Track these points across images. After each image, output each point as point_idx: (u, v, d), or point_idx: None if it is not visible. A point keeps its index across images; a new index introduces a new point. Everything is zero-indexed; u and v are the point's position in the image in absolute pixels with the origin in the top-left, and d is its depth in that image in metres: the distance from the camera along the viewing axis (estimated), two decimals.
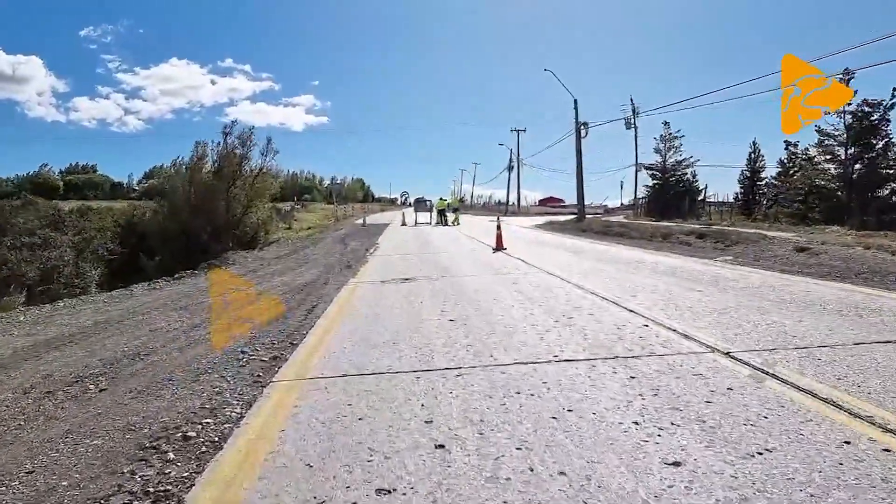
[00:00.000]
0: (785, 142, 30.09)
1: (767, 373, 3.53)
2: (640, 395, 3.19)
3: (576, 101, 30.83)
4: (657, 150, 37.16)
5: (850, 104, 25.44)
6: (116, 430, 2.93)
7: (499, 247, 13.13)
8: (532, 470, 2.33)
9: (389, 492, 2.19)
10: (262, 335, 5.02)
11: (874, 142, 25.72)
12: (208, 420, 3.01)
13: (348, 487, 2.23)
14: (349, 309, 6.20)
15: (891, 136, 25.68)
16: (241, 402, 3.31)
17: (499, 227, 13.89)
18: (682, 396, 3.15)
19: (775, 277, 7.79)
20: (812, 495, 2.09)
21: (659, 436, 2.64)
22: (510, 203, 65.76)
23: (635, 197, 41.74)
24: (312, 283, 8.36)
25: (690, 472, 2.27)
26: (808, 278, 7.58)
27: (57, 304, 8.01)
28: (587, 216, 31.33)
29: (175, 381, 3.74)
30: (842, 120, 25.64)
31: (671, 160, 36.55)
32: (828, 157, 26.63)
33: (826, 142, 26.39)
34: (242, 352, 4.44)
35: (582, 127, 30.40)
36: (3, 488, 2.40)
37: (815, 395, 3.12)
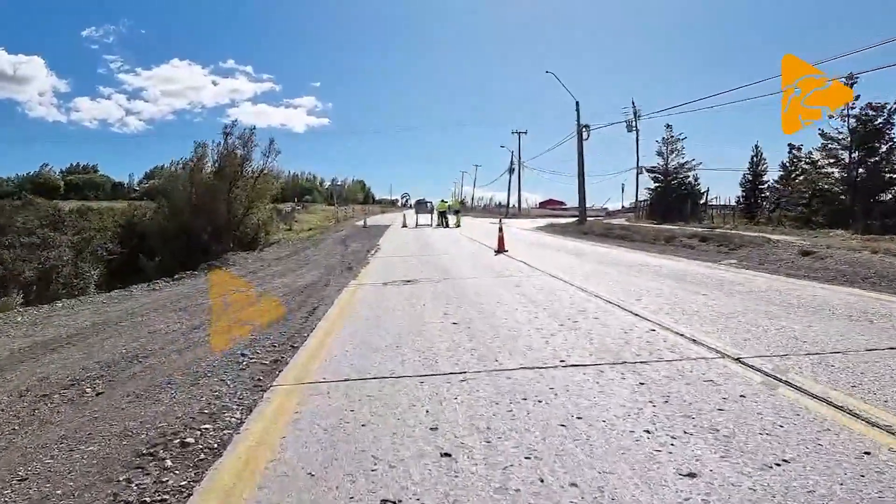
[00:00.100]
0: (788, 145, 30.03)
1: (780, 379, 3.45)
2: (651, 401, 3.11)
3: (577, 103, 30.84)
4: (659, 153, 37.15)
5: (854, 107, 25.43)
6: (113, 436, 2.86)
7: (500, 249, 13.06)
8: (542, 481, 2.25)
9: (395, 503, 2.11)
10: (262, 337, 4.94)
11: (878, 145, 25.63)
12: (207, 426, 2.93)
13: (352, 498, 2.15)
14: (350, 311, 6.12)
15: (895, 139, 25.62)
16: (241, 407, 3.23)
17: (500, 230, 13.81)
18: (693, 404, 3.07)
19: (781, 281, 7.71)
20: None
21: (672, 445, 2.55)
22: (511, 205, 65.72)
23: (636, 200, 41.74)
24: (313, 284, 8.28)
25: (707, 485, 2.19)
26: (815, 282, 7.50)
27: (55, 304, 7.93)
28: (588, 219, 31.27)
29: (174, 385, 3.66)
30: (846, 123, 25.60)
31: (673, 163, 36.52)
32: (831, 160, 26.54)
33: (830, 145, 26.30)
34: (242, 354, 4.36)
35: (584, 129, 30.35)
36: None
37: (830, 403, 3.03)
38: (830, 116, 25.85)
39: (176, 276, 11.35)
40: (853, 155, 25.58)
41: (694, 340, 4.44)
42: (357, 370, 3.85)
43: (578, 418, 2.89)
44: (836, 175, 26.10)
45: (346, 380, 3.65)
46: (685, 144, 37.12)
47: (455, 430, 2.76)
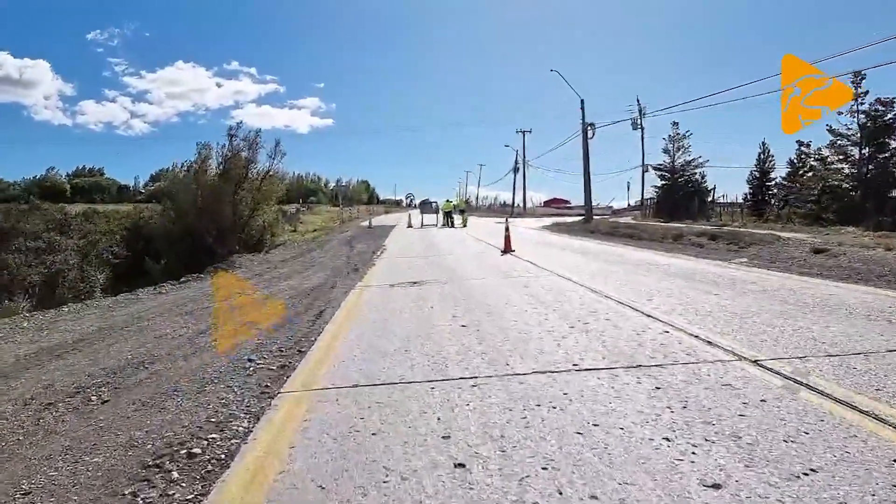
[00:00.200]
0: (797, 142, 29.78)
1: (801, 383, 3.35)
2: (669, 407, 3.02)
3: (582, 101, 30.69)
4: (666, 151, 36.91)
5: (863, 103, 25.17)
6: (118, 447, 2.79)
7: (507, 249, 12.97)
8: (561, 493, 2.17)
9: None
10: (269, 342, 4.88)
11: (888, 141, 25.32)
12: (214, 435, 2.87)
13: None
14: (357, 314, 6.06)
15: None
16: (248, 415, 3.16)
17: (507, 229, 13.71)
18: (712, 409, 2.98)
19: (794, 280, 7.59)
20: None
21: (693, 453, 2.47)
22: (515, 204, 65.56)
23: (642, 198, 41.45)
24: (319, 286, 8.22)
25: (733, 496, 2.10)
26: (828, 281, 7.38)
27: (61, 308, 7.91)
28: (594, 217, 31.12)
29: (180, 392, 3.59)
30: (855, 119, 25.33)
31: (680, 160, 36.28)
32: (840, 157, 26.25)
33: (839, 142, 26.03)
34: (249, 360, 4.29)
35: (588, 127, 30.21)
36: None
37: (855, 408, 2.94)
38: (840, 113, 25.64)
39: (182, 279, 11.32)
40: (863, 151, 25.29)
41: (709, 342, 4.34)
42: (366, 375, 3.78)
43: (595, 425, 2.80)
44: (846, 171, 25.81)
45: (354, 386, 3.57)
46: (691, 142, 36.88)
47: (468, 439, 2.68)
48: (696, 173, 35.58)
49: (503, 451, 2.54)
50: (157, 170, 75.92)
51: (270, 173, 24.45)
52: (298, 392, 3.53)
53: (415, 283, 8.25)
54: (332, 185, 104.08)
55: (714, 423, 2.79)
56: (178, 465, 2.55)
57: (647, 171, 39.22)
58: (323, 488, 2.28)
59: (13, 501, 2.32)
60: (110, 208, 31.48)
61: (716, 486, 2.19)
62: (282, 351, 4.59)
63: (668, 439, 2.61)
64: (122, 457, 2.67)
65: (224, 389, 3.63)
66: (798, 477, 2.25)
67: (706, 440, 2.59)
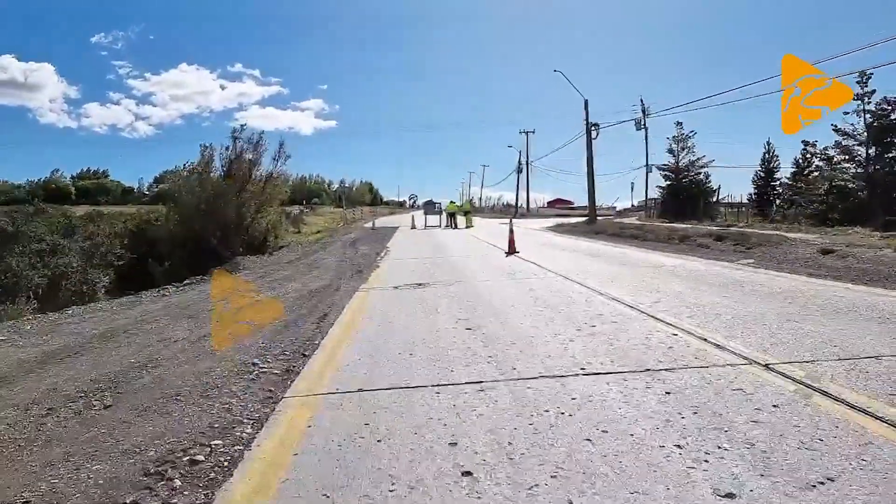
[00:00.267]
0: (802, 142, 29.61)
1: (814, 388, 3.29)
2: (679, 413, 2.96)
3: (586, 101, 30.65)
4: (670, 151, 36.70)
5: (869, 103, 24.96)
6: (120, 453, 2.75)
7: (511, 250, 12.91)
8: (571, 503, 2.12)
9: None
10: (272, 345, 4.84)
11: (895, 141, 25.08)
12: (217, 441, 2.82)
13: None
14: (361, 317, 6.01)
15: None
16: (252, 421, 3.12)
17: (511, 231, 13.65)
18: (724, 415, 2.92)
19: (802, 282, 7.51)
20: None
21: (706, 461, 2.41)
22: (519, 205, 65.44)
23: (646, 198, 41.29)
24: (323, 289, 8.18)
25: None
26: (838, 282, 7.29)
27: (65, 311, 7.89)
28: (598, 218, 31.01)
29: (183, 397, 3.55)
30: (861, 119, 25.13)
31: (684, 161, 36.09)
32: (846, 157, 26.04)
33: (845, 141, 25.82)
34: (253, 364, 4.25)
35: (592, 128, 30.12)
36: None
37: (870, 414, 2.87)
38: (846, 113, 25.46)
39: (185, 281, 11.30)
40: (870, 150, 25.08)
41: (718, 346, 4.28)
42: (370, 380, 3.73)
43: (604, 432, 2.75)
44: (853, 171, 25.61)
45: (359, 390, 3.53)
46: (695, 142, 36.66)
47: (475, 446, 2.63)
48: (700, 173, 35.40)
49: (511, 459, 2.49)
50: (161, 171, 75.95)
51: (274, 175, 24.42)
52: (302, 397, 3.49)
53: (419, 285, 8.21)
54: (335, 186, 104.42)
55: (726, 429, 2.73)
56: (180, 473, 2.51)
57: (650, 171, 39.10)
58: (328, 497, 2.23)
59: None
60: (115, 210, 31.58)
61: (730, 496, 2.13)
62: (286, 354, 4.55)
63: (679, 446, 2.56)
64: (123, 464, 2.63)
65: (227, 394, 3.59)
66: (814, 486, 2.19)
67: (719, 447, 2.53)
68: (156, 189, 67.94)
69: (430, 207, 35.63)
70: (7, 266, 11.25)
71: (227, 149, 23.52)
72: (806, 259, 9.61)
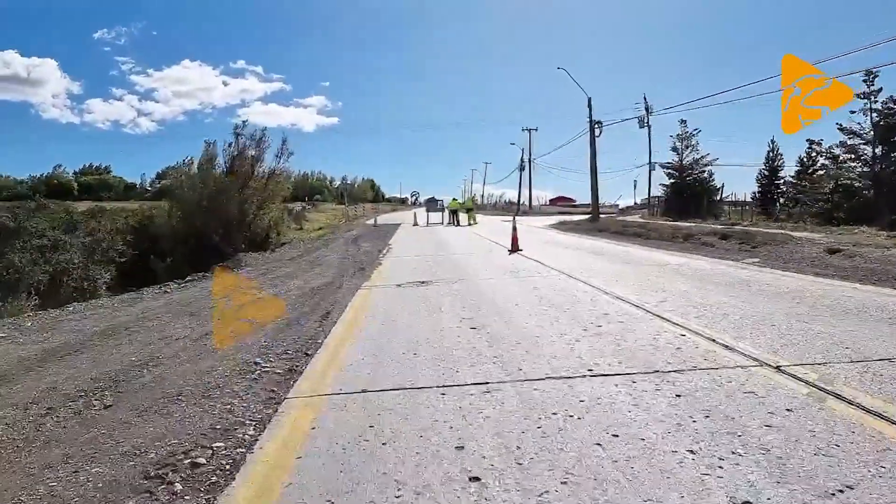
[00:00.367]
0: (807, 140, 29.42)
1: (827, 391, 3.22)
2: (691, 417, 2.90)
3: (590, 99, 30.53)
4: (674, 149, 36.53)
5: (876, 101, 24.78)
6: (120, 455, 2.70)
7: (514, 248, 12.84)
8: None
9: None
10: (275, 344, 4.78)
11: None
12: (219, 444, 2.77)
13: None
14: (364, 315, 5.95)
15: None
16: (254, 422, 3.06)
17: (514, 228, 13.58)
18: (737, 419, 2.85)
19: (809, 281, 7.43)
20: None
21: (720, 467, 2.35)
22: (521, 202, 65.32)
23: (649, 196, 41.14)
24: (326, 286, 8.12)
25: None
26: (846, 282, 7.21)
27: (66, 307, 7.84)
28: (601, 216, 30.91)
29: (184, 397, 3.50)
30: (868, 117, 24.95)
31: (688, 159, 35.92)
32: (852, 155, 25.86)
33: (851, 140, 25.62)
34: (255, 363, 4.20)
35: (596, 125, 30.00)
36: None
37: (886, 419, 2.81)
38: (852, 112, 25.27)
39: (187, 278, 11.25)
40: (876, 149, 24.89)
41: (728, 347, 4.21)
42: (374, 380, 3.67)
43: (614, 436, 2.69)
44: (859, 170, 25.43)
45: (363, 391, 3.47)
46: (698, 139, 36.46)
47: (482, 450, 2.57)
48: (704, 171, 35.22)
49: (520, 464, 2.43)
50: (163, 168, 75.91)
51: (277, 172, 24.36)
52: (306, 398, 3.43)
53: (422, 282, 8.14)
54: (337, 183, 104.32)
55: (740, 434, 2.67)
56: (181, 476, 2.45)
57: (653, 169, 38.95)
58: (332, 503, 2.17)
59: None
60: (117, 206, 31.54)
61: None
62: (288, 353, 4.49)
63: (692, 452, 2.50)
64: (123, 466, 2.57)
65: (229, 394, 3.54)
66: (833, 494, 2.13)
67: (733, 453, 2.47)
68: (158, 185, 67.91)
69: (433, 205, 35.57)
70: (9, 262, 11.21)
71: (229, 145, 23.47)
72: (812, 258, 9.53)
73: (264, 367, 4.12)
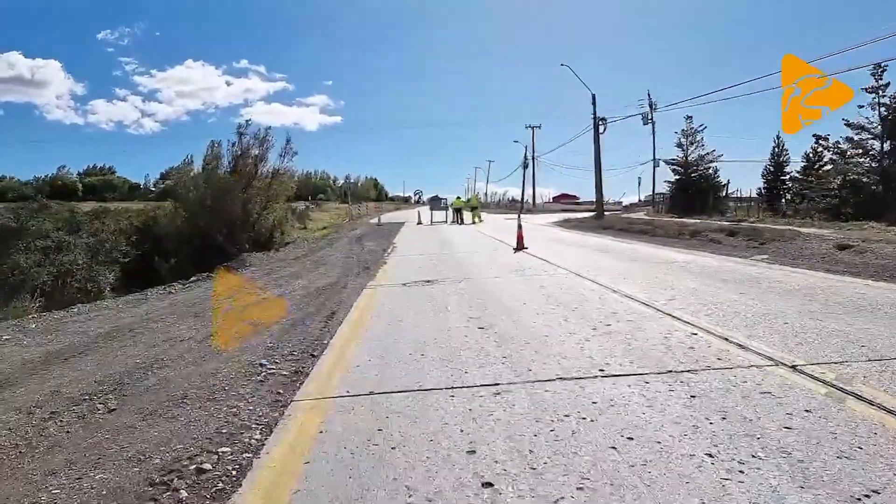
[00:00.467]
0: (814, 135, 29.09)
1: (846, 391, 3.14)
2: (707, 418, 2.83)
3: (594, 96, 30.39)
4: (679, 145, 36.26)
5: (884, 96, 24.49)
6: (124, 461, 2.64)
7: (520, 246, 12.76)
8: None
9: None
10: (280, 345, 4.73)
11: None
12: (225, 448, 2.71)
13: None
14: (370, 315, 5.89)
15: None
16: (260, 426, 3.01)
17: (520, 227, 13.50)
18: (754, 421, 2.78)
19: (820, 278, 7.33)
20: None
21: (741, 471, 2.27)
22: (524, 200, 65.17)
23: (653, 193, 40.93)
24: (331, 286, 8.07)
25: None
26: (857, 279, 7.11)
27: (70, 309, 7.82)
28: (605, 213, 30.78)
29: (189, 400, 3.45)
30: (876, 112, 24.64)
31: (693, 155, 35.66)
32: (859, 150, 25.57)
33: (859, 135, 25.31)
34: (261, 364, 4.15)
35: (600, 122, 29.87)
36: None
37: None
38: (860, 106, 24.99)
39: (192, 278, 11.22)
40: (884, 144, 24.59)
41: (741, 346, 4.13)
42: (381, 382, 3.61)
43: (629, 439, 2.62)
44: (867, 165, 25.14)
45: (370, 393, 3.41)
46: (702, 136, 36.18)
47: (494, 454, 2.51)
48: (709, 168, 34.95)
49: (534, 469, 2.36)
50: (167, 168, 75.96)
51: (280, 171, 24.32)
52: (312, 400, 3.37)
53: (428, 282, 8.08)
54: (340, 182, 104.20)
55: (759, 436, 2.59)
56: (186, 483, 2.40)
57: (657, 165, 38.70)
58: None
59: None
60: (121, 207, 31.62)
61: None
62: (294, 355, 4.44)
63: (711, 455, 2.42)
64: (128, 472, 2.52)
65: (235, 397, 3.48)
66: (859, 500, 2.05)
67: (753, 456, 2.40)
68: (162, 186, 68.08)
69: (436, 203, 35.52)
70: (14, 263, 11.21)
71: (232, 144, 23.44)
72: (822, 255, 9.42)
73: (270, 368, 4.06)
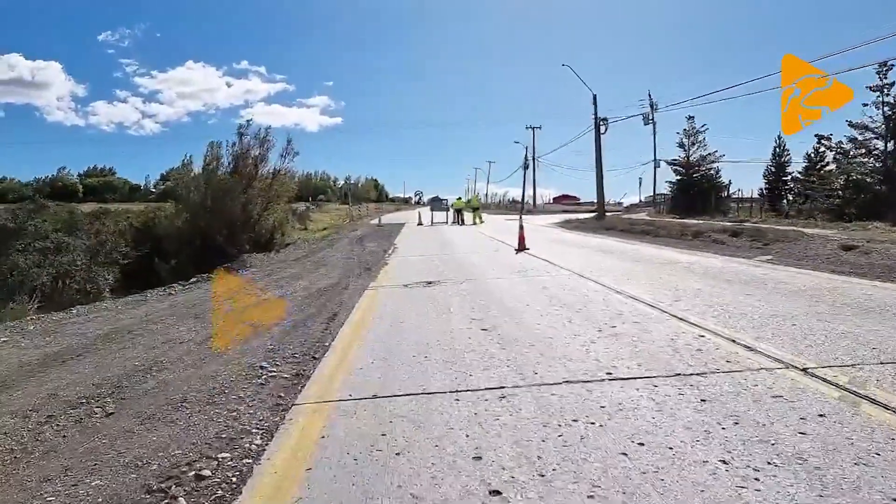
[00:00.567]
0: (816, 135, 29.02)
1: (860, 395, 3.07)
2: (719, 423, 2.76)
3: (595, 96, 30.35)
4: (681, 145, 36.18)
5: (888, 94, 24.40)
6: (121, 467, 2.58)
7: (521, 247, 12.69)
8: None
9: None
10: (281, 347, 4.67)
11: None
12: (225, 454, 2.64)
13: None
14: (372, 317, 5.83)
15: None
16: (261, 430, 2.94)
17: (521, 227, 13.43)
18: (768, 426, 2.71)
19: (825, 279, 7.26)
20: None
21: (756, 479, 2.20)
22: (525, 201, 65.11)
23: (654, 193, 40.84)
24: (332, 287, 8.01)
25: None
26: (863, 280, 7.04)
27: (69, 310, 7.75)
28: (606, 213, 30.70)
29: (188, 404, 3.38)
30: (880, 111, 24.56)
31: (695, 155, 35.59)
32: (863, 150, 25.47)
33: (863, 135, 25.21)
34: (261, 367, 4.08)
35: (601, 123, 29.81)
36: None
37: None
38: (864, 104, 24.90)
39: (192, 280, 11.16)
40: (888, 144, 24.47)
41: (749, 348, 4.06)
42: (384, 385, 3.55)
43: (640, 444, 2.55)
44: (871, 165, 25.02)
45: (373, 397, 3.34)
46: (704, 136, 36.10)
47: (502, 461, 2.44)
48: (711, 168, 34.87)
49: (542, 476, 2.29)
50: (167, 169, 75.89)
51: (281, 172, 24.22)
52: (314, 404, 3.30)
53: (429, 283, 8.01)
54: (340, 182, 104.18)
55: (773, 442, 2.52)
56: (185, 490, 2.33)
57: (658, 166, 38.62)
58: None
59: None
60: (121, 208, 31.52)
61: None
62: (295, 356, 4.37)
63: (724, 462, 2.35)
64: (125, 479, 2.45)
65: (235, 400, 3.42)
66: None
67: (768, 463, 2.33)
68: (162, 187, 67.99)
69: (437, 204, 35.50)
70: (12, 264, 11.15)
71: (233, 145, 23.32)
72: (827, 255, 9.34)
73: (271, 371, 4.00)
